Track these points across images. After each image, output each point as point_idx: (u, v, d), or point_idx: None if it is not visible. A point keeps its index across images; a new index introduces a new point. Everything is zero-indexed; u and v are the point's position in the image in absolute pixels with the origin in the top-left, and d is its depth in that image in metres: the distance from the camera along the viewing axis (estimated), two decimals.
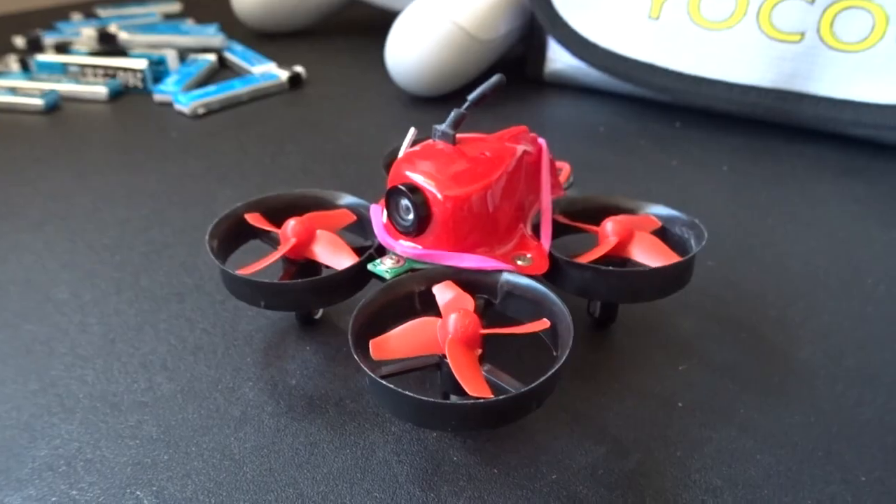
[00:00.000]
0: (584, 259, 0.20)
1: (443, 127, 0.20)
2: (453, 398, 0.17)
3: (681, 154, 0.35)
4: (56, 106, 0.40)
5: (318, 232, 0.21)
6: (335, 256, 0.21)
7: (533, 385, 0.16)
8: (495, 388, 0.16)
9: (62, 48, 0.44)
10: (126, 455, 0.18)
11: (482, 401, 0.15)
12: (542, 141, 0.23)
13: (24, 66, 0.43)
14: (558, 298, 0.18)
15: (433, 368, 0.18)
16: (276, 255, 0.21)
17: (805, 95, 0.35)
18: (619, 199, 0.23)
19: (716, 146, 0.36)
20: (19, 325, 0.23)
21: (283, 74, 0.43)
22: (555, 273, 0.20)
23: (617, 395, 0.20)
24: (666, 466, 0.18)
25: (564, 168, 0.26)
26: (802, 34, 0.34)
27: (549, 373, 0.16)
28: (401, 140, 0.33)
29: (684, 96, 0.37)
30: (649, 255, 0.21)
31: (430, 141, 0.21)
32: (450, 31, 0.39)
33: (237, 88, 0.40)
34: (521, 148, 0.21)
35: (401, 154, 0.21)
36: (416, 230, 0.19)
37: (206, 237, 0.21)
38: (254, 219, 0.22)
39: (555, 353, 0.17)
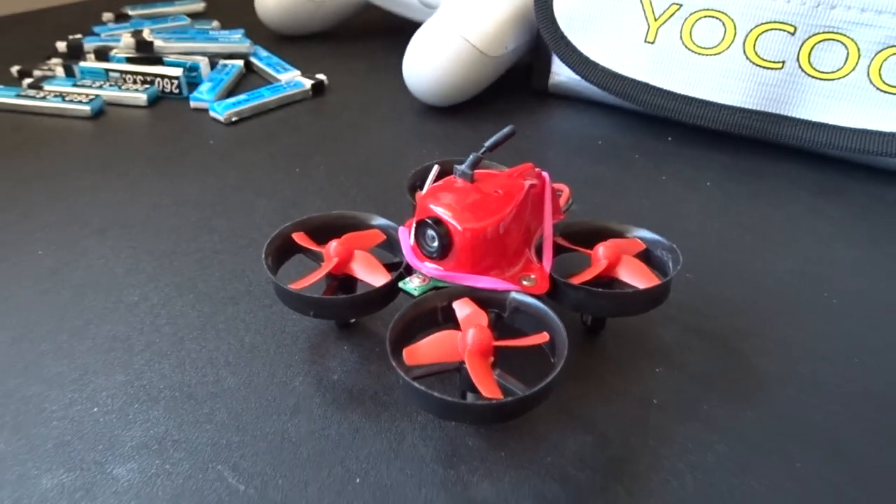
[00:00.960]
0: (578, 280, 0.24)
1: (462, 168, 0.24)
2: (470, 397, 0.21)
3: (671, 169, 0.39)
4: (101, 111, 0.43)
5: (356, 252, 0.25)
6: (371, 275, 0.24)
7: (535, 389, 0.20)
8: (504, 391, 0.20)
9: (101, 54, 0.48)
10: (205, 437, 0.22)
11: (494, 401, 0.20)
12: (545, 174, 0.26)
13: (69, 72, 0.46)
14: (556, 315, 0.22)
15: (454, 372, 0.22)
16: (321, 273, 0.25)
17: (786, 118, 0.39)
18: (610, 223, 0.27)
19: (704, 163, 0.39)
20: (100, 324, 0.27)
21: (307, 83, 0.46)
22: (554, 292, 0.24)
23: (603, 394, 0.24)
24: (641, 454, 0.22)
25: (564, 191, 0.30)
26: (783, 62, 0.38)
27: (548, 379, 0.20)
28: (418, 154, 0.37)
29: (676, 114, 0.41)
30: (634, 276, 0.25)
31: (451, 177, 0.25)
32: (462, 49, 0.42)
33: (266, 97, 0.44)
34: (527, 183, 0.25)
35: (426, 189, 0.25)
36: (440, 255, 0.23)
37: (263, 254, 0.25)
38: (300, 238, 0.26)
39: (552, 361, 0.21)
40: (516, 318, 0.23)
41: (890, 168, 0.39)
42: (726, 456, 0.22)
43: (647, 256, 0.26)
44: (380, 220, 0.27)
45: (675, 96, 0.41)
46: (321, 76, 0.47)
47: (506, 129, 0.25)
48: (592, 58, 0.42)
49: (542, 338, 0.22)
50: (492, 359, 0.21)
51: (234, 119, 0.42)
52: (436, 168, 0.26)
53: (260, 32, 0.56)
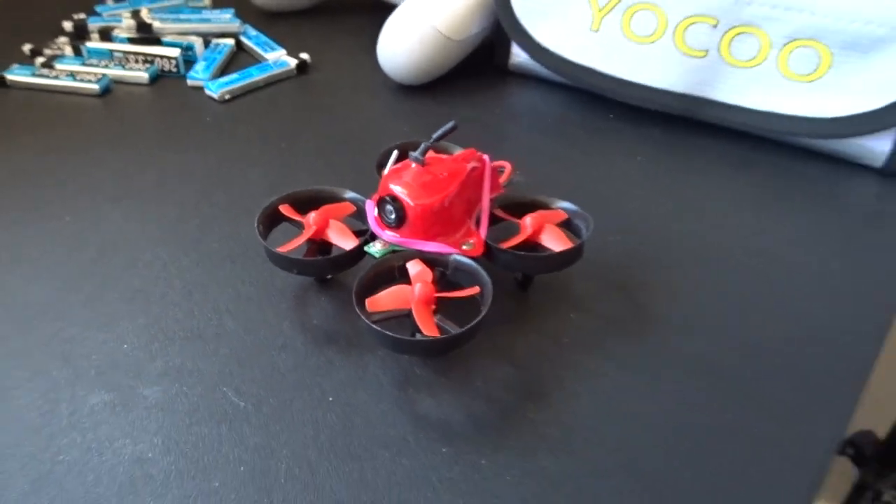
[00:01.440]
0: (508, 245, 0.30)
1: (415, 154, 0.30)
2: (418, 336, 0.28)
3: (610, 144, 0.44)
4: (108, 89, 0.49)
5: (331, 221, 0.31)
6: (343, 240, 0.31)
7: (464, 329, 0.26)
8: (442, 331, 0.27)
9: (105, 34, 0.52)
10: (212, 367, 0.28)
11: (434, 338, 0.26)
12: (486, 157, 0.32)
13: (77, 52, 0.51)
14: (486, 273, 0.28)
15: (406, 317, 0.28)
16: (302, 239, 0.31)
17: (709, 101, 0.45)
18: (540, 197, 0.33)
19: (638, 138, 0.45)
20: (122, 279, 0.33)
21: (292, 62, 0.51)
22: (489, 254, 0.30)
23: (526, 335, 0.30)
24: (549, 380, 0.28)
25: (507, 168, 0.36)
26: (707, 51, 0.43)
27: (474, 322, 0.26)
28: (391, 130, 0.42)
29: (617, 95, 0.46)
30: (553, 241, 0.31)
31: (407, 160, 0.31)
32: (429, 34, 0.47)
33: (255, 76, 0.49)
34: (470, 165, 0.31)
35: (387, 170, 0.31)
36: (397, 225, 0.29)
37: (255, 223, 0.31)
38: (285, 209, 0.32)
39: (482, 309, 0.27)
40: (457, 275, 0.29)
41: (795, 144, 0.44)
42: (619, 382, 0.28)
43: (568, 224, 0.32)
44: (351, 194, 0.33)
45: (615, 80, 0.46)
46: (305, 56, 0.52)
47: (449, 125, 0.31)
48: (544, 44, 0.48)
49: (474, 290, 0.28)
50: (434, 307, 0.28)
51: (227, 97, 0.48)
52: (395, 153, 0.32)
53: (248, 9, 0.61)
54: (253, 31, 0.56)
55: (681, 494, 0.24)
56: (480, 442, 0.26)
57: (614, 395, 0.28)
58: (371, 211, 0.31)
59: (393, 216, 0.29)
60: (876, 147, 0.42)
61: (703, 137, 0.45)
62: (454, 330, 0.27)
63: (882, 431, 0.99)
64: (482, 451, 0.26)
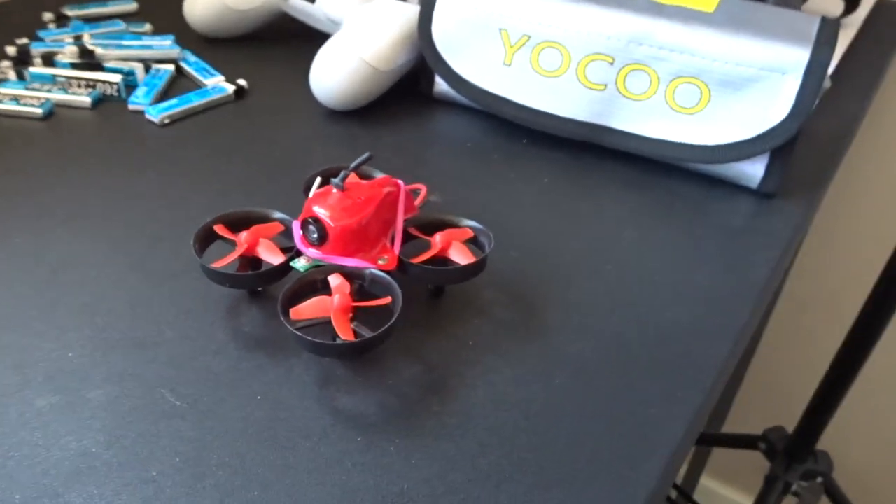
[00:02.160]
0: (419, 259, 0.35)
1: (336, 181, 0.34)
2: (337, 340, 0.32)
3: (520, 167, 0.49)
4: (51, 113, 0.51)
5: (261, 240, 0.35)
6: (272, 256, 0.34)
7: (377, 333, 0.30)
8: (357, 336, 0.31)
9: (48, 59, 0.55)
10: (152, 372, 0.32)
11: (350, 341, 0.30)
12: (400, 182, 0.37)
13: (20, 76, 0.54)
14: (398, 285, 0.32)
15: (327, 324, 0.32)
16: (234, 255, 0.34)
17: (608, 128, 0.50)
18: (449, 217, 0.38)
19: (546, 162, 0.50)
20: (72, 295, 0.36)
21: (230, 87, 0.55)
22: (402, 268, 0.35)
23: (435, 337, 0.35)
24: (452, 376, 0.33)
25: (422, 190, 0.40)
26: (606, 85, 0.49)
27: (384, 327, 0.30)
28: (321, 154, 0.46)
29: (528, 123, 0.51)
30: (459, 256, 0.35)
31: (329, 186, 0.35)
32: (358, 66, 0.52)
33: (194, 102, 0.53)
34: (385, 189, 0.35)
35: (311, 194, 0.35)
36: (319, 243, 0.33)
37: (192, 241, 0.34)
38: (220, 229, 0.36)
39: (393, 316, 0.32)
40: (373, 287, 0.34)
41: (682, 167, 0.50)
42: (508, 376, 0.33)
43: (474, 241, 0.37)
44: (279, 215, 0.37)
45: (526, 109, 0.51)
46: (242, 81, 0.56)
47: (365, 155, 0.35)
48: (463, 76, 0.53)
49: (386, 300, 0.32)
50: (351, 315, 0.32)
51: (167, 121, 0.51)
52: (318, 179, 0.36)
53: (188, 35, 0.64)
54: (192, 57, 0.59)
55: (552, 467, 0.29)
56: (390, 431, 0.30)
57: (505, 388, 0.32)
58: (297, 230, 0.35)
59: (315, 235, 0.33)
60: (750, 171, 0.48)
61: (602, 161, 0.51)
62: (368, 334, 0.31)
63: (791, 427, 1.07)
64: (392, 438, 0.30)
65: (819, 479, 1.00)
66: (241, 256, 0.35)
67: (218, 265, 0.34)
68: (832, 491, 1.01)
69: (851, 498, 1.02)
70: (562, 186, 0.48)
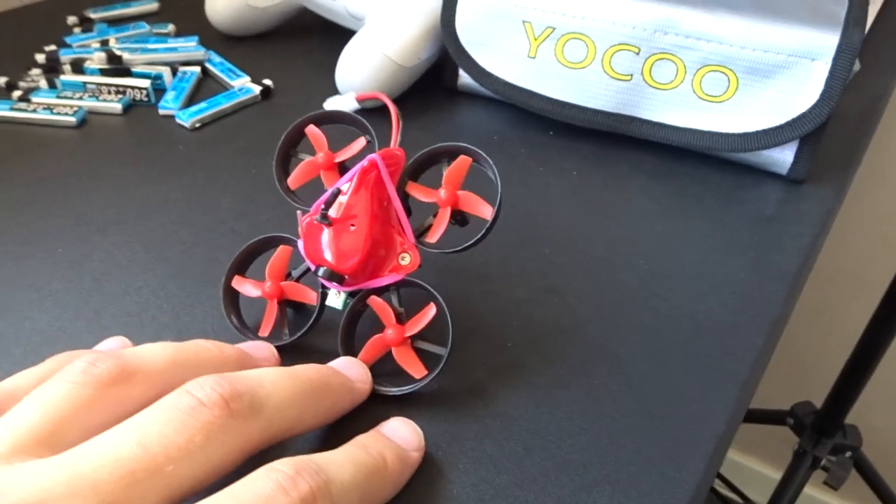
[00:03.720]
0: (433, 236, 0.33)
1: (318, 217, 0.32)
2: (417, 384, 0.32)
3: (547, 160, 0.50)
4: (84, 121, 0.52)
5: (283, 285, 0.34)
6: (302, 294, 0.33)
7: (446, 352, 0.31)
8: (424, 357, 0.31)
9: (77, 66, 0.56)
10: None
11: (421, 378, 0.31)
12: (375, 156, 0.34)
13: (51, 84, 0.54)
14: (431, 288, 0.32)
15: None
16: (270, 318, 0.34)
17: (634, 118, 0.50)
18: (434, 149, 0.36)
19: (573, 154, 0.50)
20: (117, 305, 0.37)
21: (257, 88, 0.55)
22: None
23: (473, 339, 0.35)
24: (491, 379, 0.33)
25: (394, 135, 0.37)
26: (631, 75, 0.49)
27: (449, 342, 0.31)
28: None
29: (553, 115, 0.52)
30: (474, 205, 0.34)
31: (314, 224, 0.33)
32: (382, 62, 0.52)
33: (223, 104, 0.53)
34: (368, 178, 0.33)
35: (301, 229, 0.33)
36: (339, 283, 0.33)
37: (222, 308, 0.35)
38: (238, 283, 0.35)
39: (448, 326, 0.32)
40: (408, 292, 0.34)
41: (709, 156, 0.50)
42: (549, 376, 0.34)
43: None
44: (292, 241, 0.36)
45: (551, 101, 0.51)
46: (268, 81, 0.56)
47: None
48: (488, 69, 0.53)
49: (431, 310, 0.32)
50: (408, 339, 0.32)
51: (197, 125, 0.52)
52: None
53: (209, 33, 0.64)
54: (217, 58, 0.59)
55: (596, 467, 0.29)
56: (437, 436, 0.31)
57: (547, 388, 0.33)
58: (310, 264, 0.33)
59: (333, 279, 0.32)
60: (780, 157, 0.48)
61: (628, 151, 0.51)
62: (433, 347, 0.32)
63: (819, 402, 1.07)
64: (438, 444, 0.31)
65: (848, 454, 1.00)
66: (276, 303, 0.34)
67: (262, 333, 0.34)
68: (862, 465, 1.01)
69: (882, 472, 1.03)
70: (590, 179, 0.48)
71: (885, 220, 1.07)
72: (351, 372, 0.31)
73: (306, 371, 0.28)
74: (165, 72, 0.55)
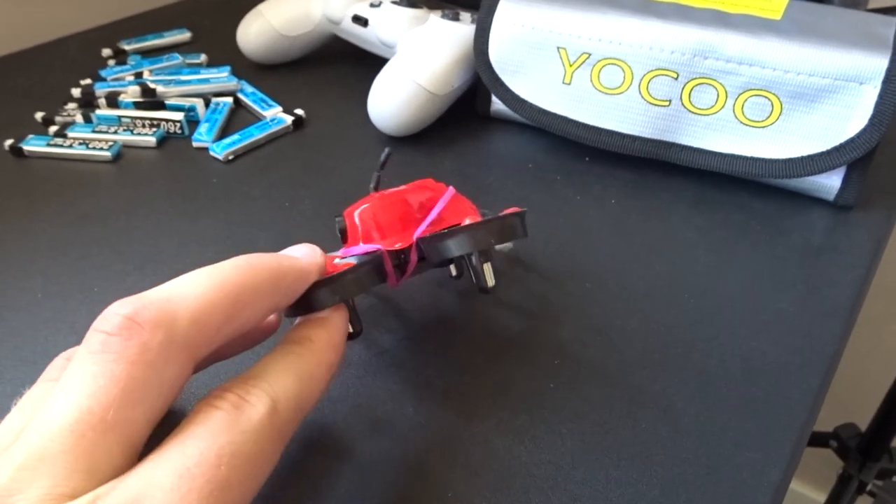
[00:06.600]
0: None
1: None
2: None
3: (584, 189, 0.48)
4: (119, 155, 0.52)
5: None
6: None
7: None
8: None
9: (111, 99, 0.56)
10: None
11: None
12: (450, 188, 0.35)
13: (86, 119, 0.55)
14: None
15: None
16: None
17: (673, 144, 0.49)
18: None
19: (611, 181, 0.49)
20: None
21: (289, 119, 0.55)
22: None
23: (515, 381, 0.34)
24: (535, 423, 0.32)
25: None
26: (670, 101, 0.48)
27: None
28: (383, 185, 0.45)
29: (590, 141, 0.51)
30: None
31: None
32: (415, 91, 0.51)
33: (255, 136, 0.53)
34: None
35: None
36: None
37: None
38: None
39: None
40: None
41: (752, 182, 0.49)
42: (594, 419, 0.32)
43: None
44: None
45: (588, 127, 0.50)
46: (300, 111, 0.56)
47: (383, 154, 0.36)
48: (522, 96, 0.52)
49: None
50: None
51: (230, 157, 0.52)
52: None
53: (240, 61, 0.65)
54: (249, 88, 0.60)
55: None
56: (481, 486, 0.30)
57: (593, 434, 0.32)
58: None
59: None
60: (827, 183, 0.46)
61: (668, 179, 0.50)
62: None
63: (863, 424, 1.04)
64: (484, 494, 0.30)
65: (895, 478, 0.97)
66: None
67: None
68: None
69: None
70: (630, 207, 0.47)
71: None
72: (296, 252, 0.29)
73: (231, 262, 0.26)
74: (199, 104, 0.56)
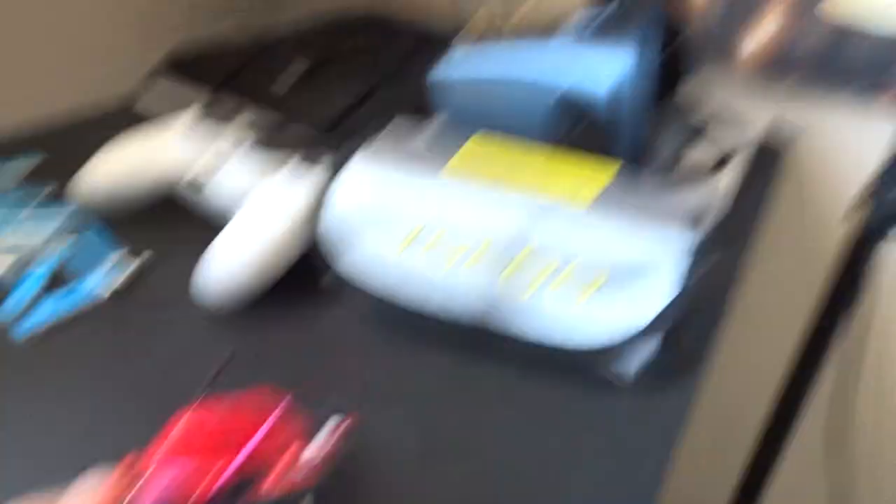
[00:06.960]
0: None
1: None
2: None
3: (409, 368, 0.48)
4: None
5: None
6: None
7: None
8: None
9: None
10: None
11: None
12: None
13: None
14: None
15: None
16: None
17: (496, 325, 0.49)
18: None
19: (435, 364, 0.49)
20: None
21: (106, 291, 0.52)
22: None
23: None
24: None
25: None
26: (491, 282, 0.48)
27: None
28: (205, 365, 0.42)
29: (417, 317, 0.51)
30: None
31: None
32: (248, 260, 0.51)
33: (64, 312, 0.50)
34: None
35: None
36: None
37: None
38: None
39: None
40: None
41: (564, 362, 0.50)
42: None
43: None
44: None
45: (416, 301, 0.50)
46: (119, 283, 0.53)
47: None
48: (355, 268, 0.52)
49: None
50: None
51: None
52: None
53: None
54: (91, 232, 0.56)
55: None
56: None
57: None
58: None
59: None
60: (624, 368, 0.48)
61: (493, 362, 0.50)
62: None
63: None
64: None
65: None
66: None
67: None
68: None
69: None
70: (447, 398, 0.47)
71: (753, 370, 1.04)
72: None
73: None
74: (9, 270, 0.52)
